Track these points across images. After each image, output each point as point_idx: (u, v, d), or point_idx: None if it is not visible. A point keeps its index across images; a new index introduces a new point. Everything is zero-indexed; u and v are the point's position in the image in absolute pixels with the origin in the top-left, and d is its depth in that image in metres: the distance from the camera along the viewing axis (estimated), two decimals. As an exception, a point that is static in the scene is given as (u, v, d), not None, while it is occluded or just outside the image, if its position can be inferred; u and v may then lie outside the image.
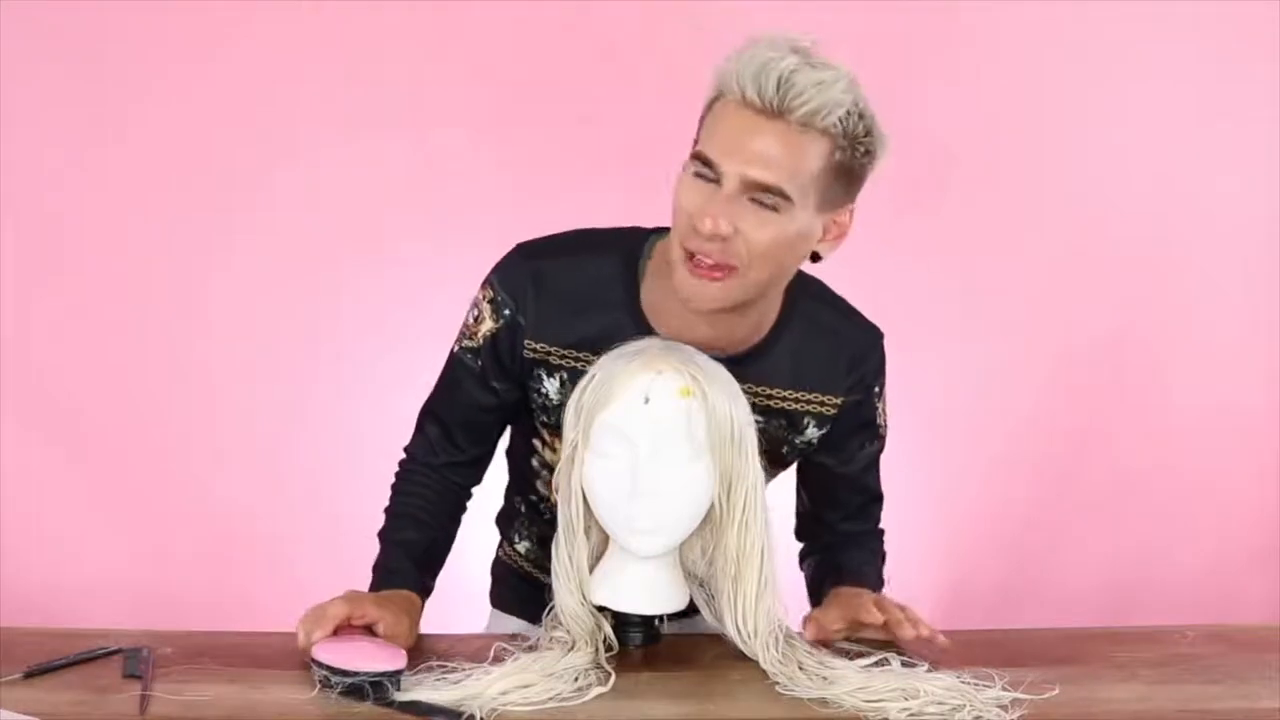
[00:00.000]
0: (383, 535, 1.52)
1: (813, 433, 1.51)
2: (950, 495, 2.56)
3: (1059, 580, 2.60)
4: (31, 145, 2.39)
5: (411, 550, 1.49)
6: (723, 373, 1.38)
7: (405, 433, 1.58)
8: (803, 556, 1.65)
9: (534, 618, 1.47)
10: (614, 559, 1.42)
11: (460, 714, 1.24)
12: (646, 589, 1.41)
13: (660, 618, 1.45)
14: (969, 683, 1.32)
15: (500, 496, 1.67)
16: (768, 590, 1.40)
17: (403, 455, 1.57)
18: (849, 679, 1.33)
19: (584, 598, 1.41)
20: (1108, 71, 2.51)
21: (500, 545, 1.70)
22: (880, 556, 1.64)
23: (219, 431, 2.50)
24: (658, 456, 1.34)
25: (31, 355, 2.43)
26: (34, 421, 2.43)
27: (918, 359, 2.33)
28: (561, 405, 1.45)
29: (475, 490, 1.59)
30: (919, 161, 2.47)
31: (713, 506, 1.38)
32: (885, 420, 1.58)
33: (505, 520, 1.68)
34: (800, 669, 1.35)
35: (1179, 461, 2.60)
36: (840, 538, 1.62)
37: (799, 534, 1.66)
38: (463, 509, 1.58)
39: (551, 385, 1.47)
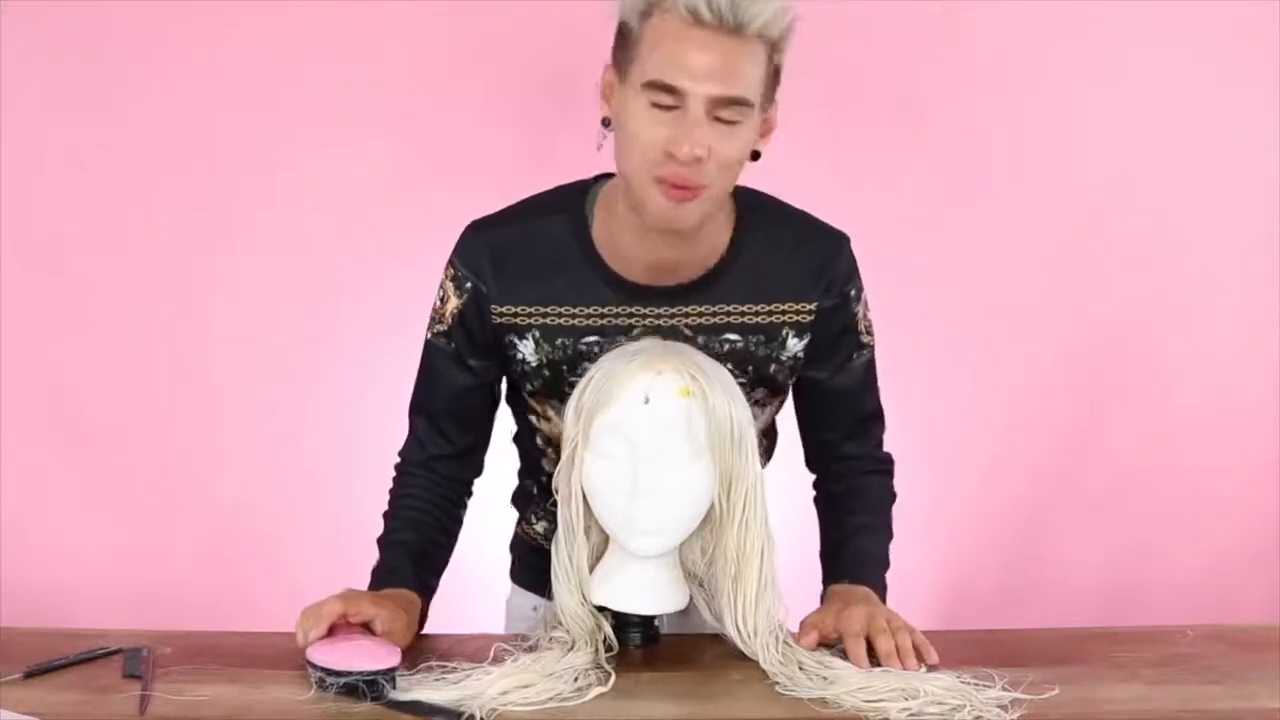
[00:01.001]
0: (380, 540, 1.53)
1: (794, 344, 1.52)
2: (950, 495, 2.55)
3: (1059, 580, 2.60)
4: (31, 145, 2.39)
5: (409, 550, 1.50)
6: (723, 373, 1.39)
7: (404, 433, 1.58)
8: (815, 494, 1.65)
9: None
10: (614, 559, 1.42)
11: (460, 714, 1.24)
12: (646, 589, 1.41)
13: (660, 617, 1.45)
14: (969, 683, 1.32)
15: (514, 477, 1.69)
16: (768, 590, 1.40)
17: (397, 459, 1.58)
18: (849, 679, 1.33)
19: (584, 598, 1.41)
20: (1108, 71, 2.51)
21: (518, 523, 1.71)
22: (889, 498, 1.62)
23: (219, 431, 2.49)
24: (658, 456, 1.34)
25: (31, 355, 2.43)
26: (34, 421, 2.43)
27: (917, 359, 2.34)
28: (541, 367, 1.46)
29: (475, 484, 1.60)
30: (919, 162, 2.49)
31: (713, 506, 1.38)
32: (868, 328, 1.58)
33: (521, 501, 1.69)
34: (800, 669, 1.35)
35: (1179, 461, 2.59)
36: (845, 470, 1.61)
37: (808, 462, 1.66)
38: (463, 505, 1.58)
39: (526, 348, 1.48)
